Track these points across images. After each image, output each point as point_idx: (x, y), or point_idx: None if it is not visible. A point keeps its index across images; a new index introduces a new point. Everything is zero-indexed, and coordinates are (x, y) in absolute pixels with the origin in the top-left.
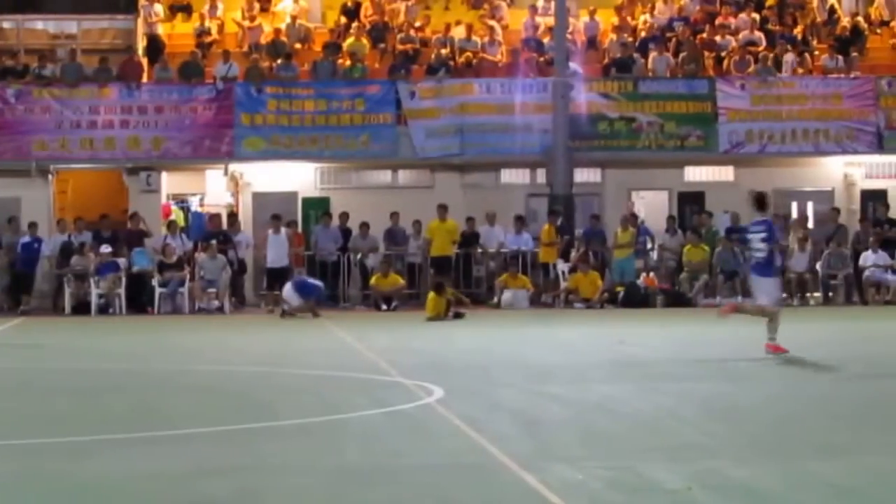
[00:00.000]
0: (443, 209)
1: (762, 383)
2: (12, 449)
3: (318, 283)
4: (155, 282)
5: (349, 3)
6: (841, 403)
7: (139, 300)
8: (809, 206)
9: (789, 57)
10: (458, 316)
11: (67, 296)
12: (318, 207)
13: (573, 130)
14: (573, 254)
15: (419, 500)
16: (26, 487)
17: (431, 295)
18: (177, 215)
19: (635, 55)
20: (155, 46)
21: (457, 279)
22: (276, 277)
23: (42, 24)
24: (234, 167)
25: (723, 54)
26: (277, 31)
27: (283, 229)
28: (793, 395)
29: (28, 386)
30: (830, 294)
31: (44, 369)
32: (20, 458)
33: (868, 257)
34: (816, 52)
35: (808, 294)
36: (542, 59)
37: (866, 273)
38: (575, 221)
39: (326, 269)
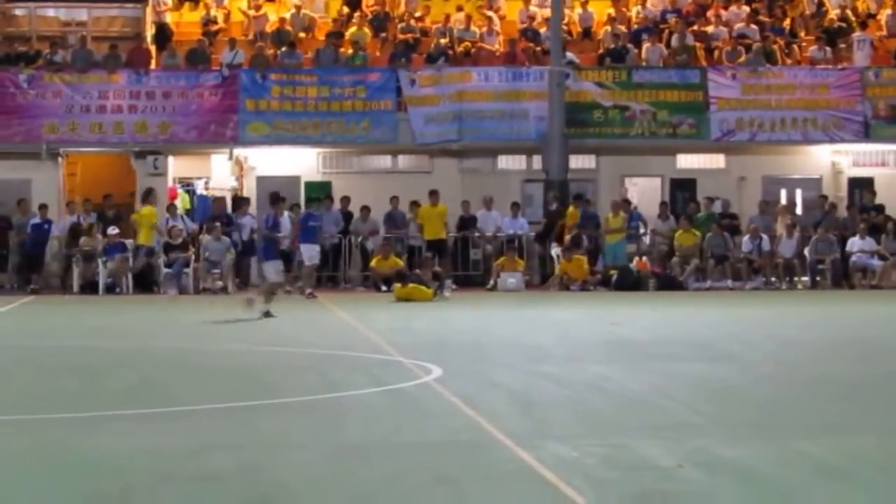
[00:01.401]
0: (434, 194)
1: (752, 364)
2: (18, 424)
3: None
4: (161, 262)
5: None
6: (831, 384)
7: (146, 280)
8: (798, 194)
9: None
10: (438, 282)
11: (76, 276)
12: (320, 192)
13: (568, 118)
14: (566, 238)
15: (417, 476)
16: (32, 462)
17: (397, 285)
18: (182, 198)
19: (629, 45)
20: (163, 34)
21: (454, 262)
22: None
23: (54, 12)
24: (239, 151)
25: (714, 45)
26: (282, 20)
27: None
28: (783, 376)
29: (35, 363)
30: (818, 279)
31: (51, 347)
32: (26, 434)
33: (855, 243)
34: (804, 44)
35: (797, 278)
36: (538, 48)
37: (853, 258)
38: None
39: (327, 252)
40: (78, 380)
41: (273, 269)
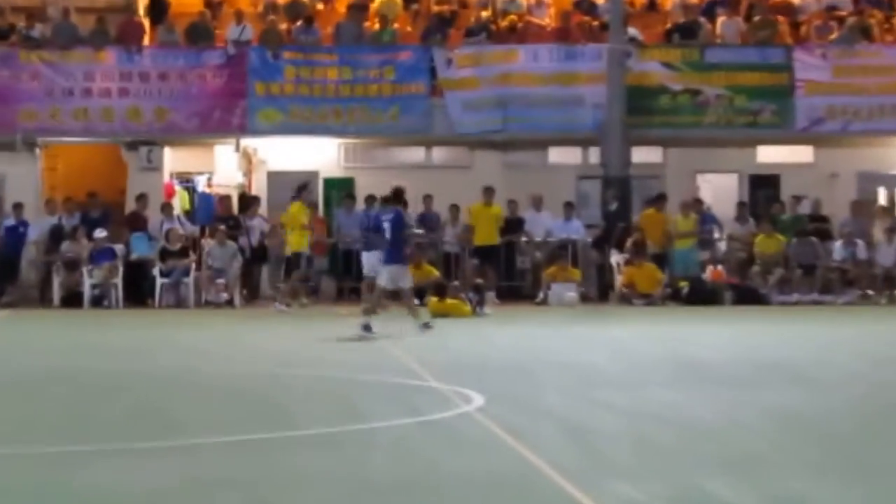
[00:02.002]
0: (489, 192)
1: (842, 391)
2: None
3: None
4: (156, 271)
5: None
6: None
7: (138, 291)
8: None
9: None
10: (478, 296)
11: (56, 286)
12: (341, 189)
13: (630, 104)
14: (628, 243)
15: None
16: (14, 502)
17: (432, 299)
18: (181, 197)
19: (701, 19)
20: (158, 6)
21: (497, 271)
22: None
23: None
24: (247, 142)
25: (801, 19)
26: None
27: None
28: (873, 403)
29: (14, 387)
30: None
31: (31, 368)
32: (6, 469)
33: None
34: None
35: None
36: (595, 23)
37: None
38: (633, 207)
39: (350, 259)
40: (63, 408)
41: (389, 276)
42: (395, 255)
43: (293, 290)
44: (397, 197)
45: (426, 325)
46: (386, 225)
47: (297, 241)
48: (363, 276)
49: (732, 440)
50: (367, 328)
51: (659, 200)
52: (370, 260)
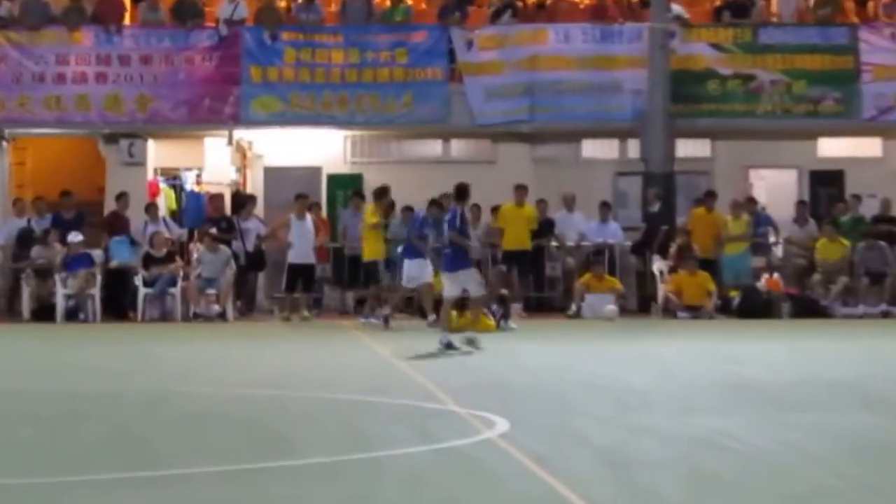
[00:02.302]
0: (521, 190)
1: None
2: None
3: None
4: (139, 280)
5: None
6: None
7: (118, 303)
8: None
9: None
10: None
11: (26, 297)
12: (347, 187)
13: (674, 91)
14: (672, 248)
15: None
16: None
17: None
18: (167, 196)
19: None
20: None
21: (525, 280)
22: (300, 275)
23: None
24: (241, 134)
25: None
26: None
27: (308, 214)
28: None
29: None
30: None
31: None
32: None
33: None
34: None
35: None
36: None
37: None
38: (677, 207)
39: (357, 266)
40: (35, 433)
41: (475, 281)
42: (456, 259)
43: (372, 302)
44: (460, 194)
45: (472, 342)
46: (445, 225)
47: (371, 249)
48: (379, 284)
49: (797, 472)
50: (449, 346)
51: (708, 199)
52: (414, 269)
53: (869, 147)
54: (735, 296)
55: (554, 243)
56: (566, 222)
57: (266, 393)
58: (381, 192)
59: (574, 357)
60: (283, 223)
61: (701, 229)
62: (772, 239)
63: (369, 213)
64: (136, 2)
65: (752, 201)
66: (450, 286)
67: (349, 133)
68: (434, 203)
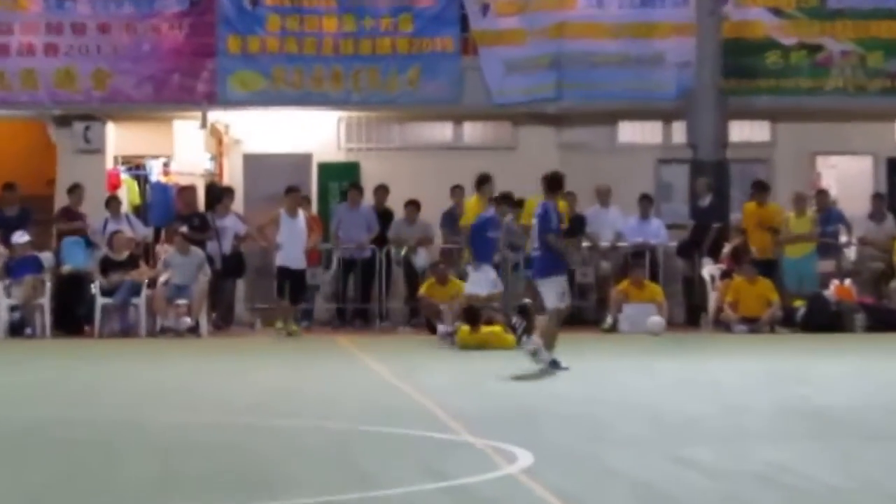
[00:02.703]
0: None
1: None
2: None
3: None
4: (96, 287)
5: None
6: None
7: (72, 315)
8: None
9: None
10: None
11: None
12: (342, 178)
13: (727, 64)
14: (726, 249)
15: None
16: None
17: (463, 327)
18: (130, 188)
19: None
20: None
21: None
22: (290, 282)
23: None
24: (217, 116)
25: None
26: None
27: (300, 211)
28: None
29: None
30: None
31: None
32: None
33: None
34: None
35: None
36: None
37: None
38: (731, 201)
39: (354, 270)
40: None
41: (555, 292)
42: (550, 262)
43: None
44: (553, 185)
45: (556, 364)
46: (535, 222)
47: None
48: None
49: None
50: (554, 364)
51: (758, 193)
52: (481, 278)
53: None
54: (799, 306)
55: (586, 244)
56: (600, 219)
57: (245, 421)
58: (485, 180)
59: (609, 378)
60: (272, 220)
61: (754, 228)
62: (843, 239)
63: (472, 205)
64: None
65: (822, 194)
66: (548, 294)
67: (344, 114)
68: (504, 199)
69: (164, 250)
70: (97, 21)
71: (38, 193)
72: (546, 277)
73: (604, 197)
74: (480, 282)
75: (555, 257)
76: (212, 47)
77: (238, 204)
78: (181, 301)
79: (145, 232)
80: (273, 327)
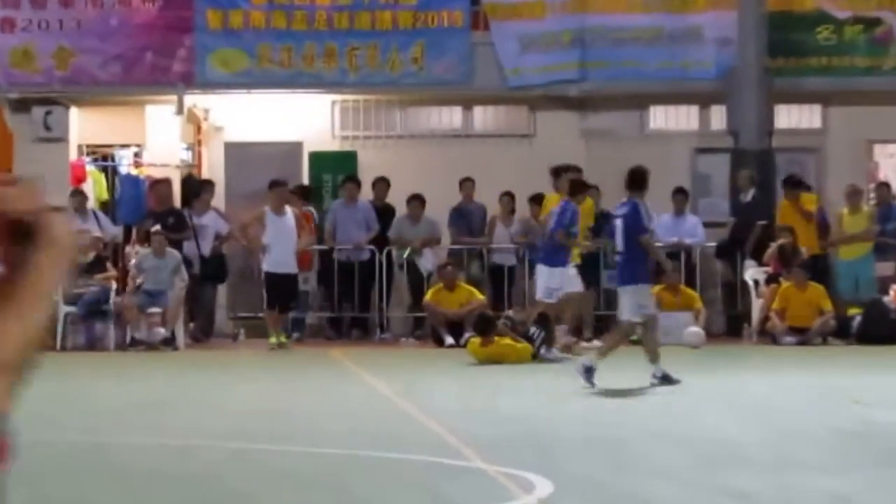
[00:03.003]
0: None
1: None
2: None
3: None
4: (58, 294)
5: None
6: None
7: None
8: None
9: None
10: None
11: None
12: (337, 169)
13: (773, 40)
14: (771, 250)
15: None
16: None
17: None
18: (97, 182)
19: None
20: None
21: None
22: (279, 289)
23: None
24: (195, 100)
25: None
26: None
27: (288, 208)
28: None
29: None
30: None
31: None
32: None
33: None
34: None
35: None
36: None
37: None
38: (776, 194)
39: (352, 274)
40: None
41: (635, 302)
42: (633, 269)
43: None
44: (637, 181)
45: (667, 379)
46: (617, 223)
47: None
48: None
49: None
50: (665, 378)
51: (792, 189)
52: (555, 278)
53: None
54: (855, 314)
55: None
56: None
57: (228, 446)
58: (563, 170)
59: (639, 397)
60: (257, 218)
61: (800, 224)
62: None
63: (554, 202)
64: None
65: (881, 187)
66: (626, 303)
67: (338, 98)
68: (582, 185)
69: (135, 252)
70: None
71: None
72: (629, 285)
73: None
74: (573, 279)
75: (643, 263)
76: (189, 22)
77: (219, 199)
78: (154, 309)
79: (114, 231)
80: (265, 340)
